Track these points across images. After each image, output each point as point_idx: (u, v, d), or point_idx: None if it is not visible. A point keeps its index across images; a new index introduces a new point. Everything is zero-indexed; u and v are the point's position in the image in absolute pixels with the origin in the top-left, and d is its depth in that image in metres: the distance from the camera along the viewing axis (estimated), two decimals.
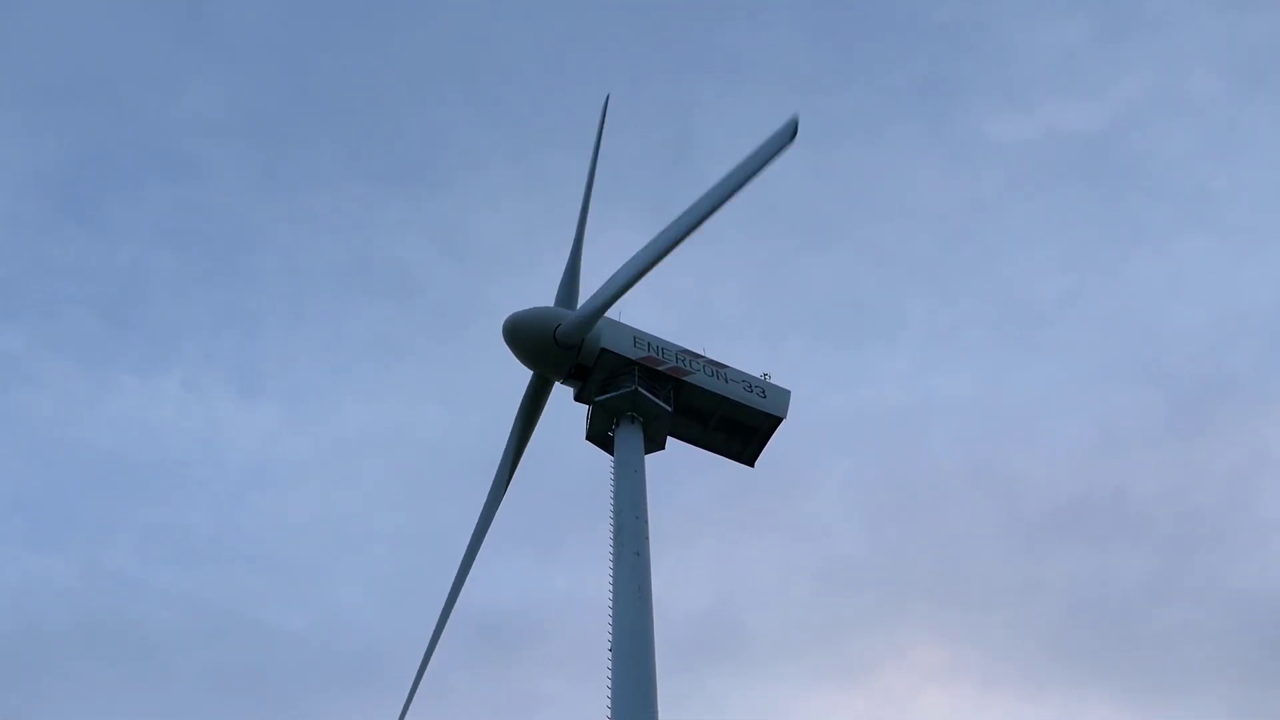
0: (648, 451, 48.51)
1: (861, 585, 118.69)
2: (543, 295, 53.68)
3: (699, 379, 51.14)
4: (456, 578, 48.69)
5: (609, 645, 38.83)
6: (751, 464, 54.13)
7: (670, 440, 51.14)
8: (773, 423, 52.57)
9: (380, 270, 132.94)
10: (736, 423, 52.41)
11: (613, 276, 47.70)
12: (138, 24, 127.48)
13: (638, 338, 51.17)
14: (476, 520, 49.56)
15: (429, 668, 47.39)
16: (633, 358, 50.10)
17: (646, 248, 46.49)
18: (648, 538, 43.43)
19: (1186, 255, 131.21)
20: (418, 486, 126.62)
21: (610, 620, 39.69)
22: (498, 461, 50.63)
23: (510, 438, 50.64)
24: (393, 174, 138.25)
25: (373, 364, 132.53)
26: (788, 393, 53.21)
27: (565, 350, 49.40)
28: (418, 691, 47.43)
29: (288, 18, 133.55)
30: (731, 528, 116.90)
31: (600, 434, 49.53)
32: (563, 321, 49.52)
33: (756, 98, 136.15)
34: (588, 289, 51.50)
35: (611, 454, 47.74)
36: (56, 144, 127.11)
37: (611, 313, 51.29)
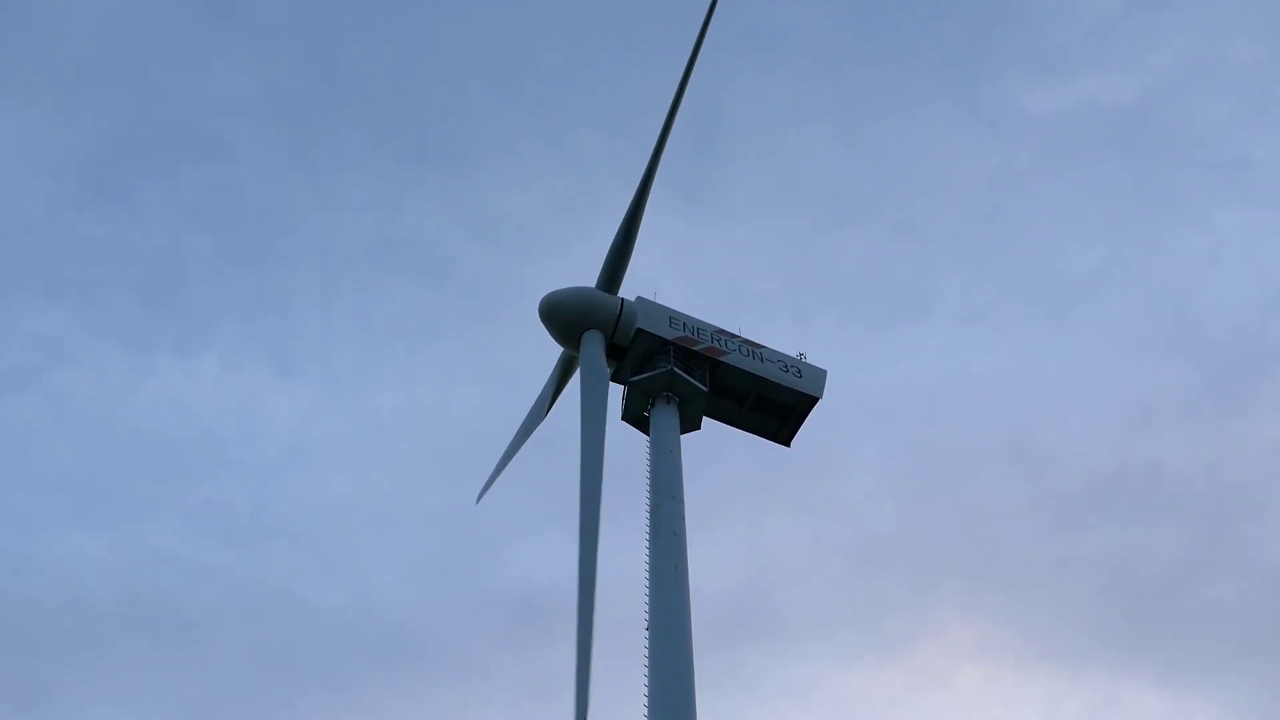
0: (684, 432, 48.41)
1: (895, 563, 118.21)
2: (574, 275, 53.80)
3: (735, 359, 50.93)
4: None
5: (645, 624, 39.02)
6: (788, 444, 53.86)
7: (705, 420, 50.97)
8: (809, 402, 52.19)
9: (411, 252, 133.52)
10: (773, 402, 52.12)
11: None
12: (168, 7, 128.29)
13: (673, 318, 51.02)
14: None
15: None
16: (668, 338, 49.95)
17: None
18: (684, 518, 43.45)
19: (1225, 227, 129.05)
20: (452, 466, 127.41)
21: (647, 599, 39.86)
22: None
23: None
24: (422, 156, 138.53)
25: (406, 345, 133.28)
26: (824, 372, 52.86)
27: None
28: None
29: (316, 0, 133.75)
30: (764, 506, 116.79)
31: (636, 414, 49.47)
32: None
33: (786, 75, 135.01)
34: (632, 272, 51.63)
35: (647, 434, 47.72)
36: (91, 127, 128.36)
37: (646, 292, 51.48)
